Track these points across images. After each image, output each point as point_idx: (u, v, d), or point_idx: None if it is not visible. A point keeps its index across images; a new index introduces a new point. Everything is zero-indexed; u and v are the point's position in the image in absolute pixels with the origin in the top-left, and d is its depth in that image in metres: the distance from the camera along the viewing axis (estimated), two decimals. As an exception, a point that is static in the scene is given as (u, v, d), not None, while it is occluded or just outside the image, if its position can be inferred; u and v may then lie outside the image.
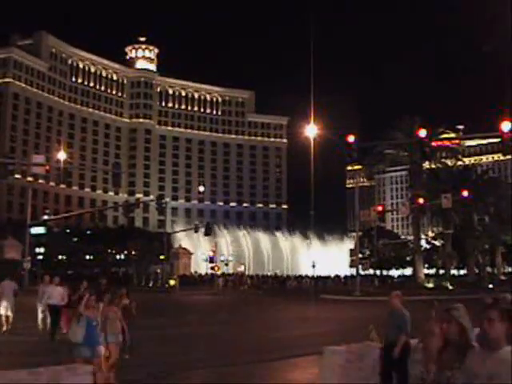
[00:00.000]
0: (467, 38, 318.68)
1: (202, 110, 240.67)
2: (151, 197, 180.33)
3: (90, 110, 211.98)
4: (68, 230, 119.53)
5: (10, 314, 25.55)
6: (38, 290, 25.71)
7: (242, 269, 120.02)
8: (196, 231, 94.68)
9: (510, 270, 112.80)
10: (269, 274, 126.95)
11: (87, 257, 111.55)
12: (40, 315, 24.73)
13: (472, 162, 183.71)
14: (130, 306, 18.21)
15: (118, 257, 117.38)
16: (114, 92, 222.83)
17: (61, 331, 22.28)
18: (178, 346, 22.44)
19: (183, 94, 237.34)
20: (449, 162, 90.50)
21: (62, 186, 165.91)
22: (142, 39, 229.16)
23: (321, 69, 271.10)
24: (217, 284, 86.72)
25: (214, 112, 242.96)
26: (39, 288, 25.80)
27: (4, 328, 25.24)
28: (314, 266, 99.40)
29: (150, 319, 29.38)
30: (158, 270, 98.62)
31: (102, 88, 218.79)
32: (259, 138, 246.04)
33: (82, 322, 12.73)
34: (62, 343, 18.68)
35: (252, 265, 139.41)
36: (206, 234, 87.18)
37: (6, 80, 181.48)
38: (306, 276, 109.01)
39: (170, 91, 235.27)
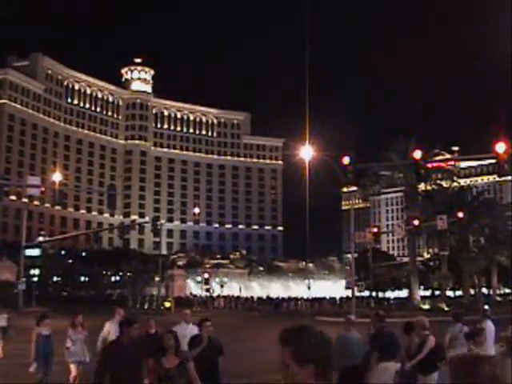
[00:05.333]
0: (463, 58, 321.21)
1: (197, 131, 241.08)
2: (146, 218, 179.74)
3: (86, 131, 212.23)
4: (63, 252, 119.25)
5: None
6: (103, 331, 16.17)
7: (236, 291, 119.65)
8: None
9: (506, 291, 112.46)
10: (264, 296, 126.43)
11: (82, 278, 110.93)
12: None
13: (467, 183, 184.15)
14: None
15: (113, 279, 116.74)
16: (109, 113, 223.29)
17: None
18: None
19: (179, 115, 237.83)
20: (444, 184, 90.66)
21: (58, 207, 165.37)
22: (138, 61, 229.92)
23: (316, 91, 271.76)
24: (215, 306, 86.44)
25: (210, 134, 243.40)
26: (106, 328, 16.13)
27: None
28: (309, 288, 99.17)
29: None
30: (154, 292, 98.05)
31: (98, 109, 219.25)
32: (255, 160, 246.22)
33: None
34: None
35: (247, 287, 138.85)
36: (201, 255, 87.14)
37: (2, 101, 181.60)
38: (302, 298, 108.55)
39: (166, 113, 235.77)
